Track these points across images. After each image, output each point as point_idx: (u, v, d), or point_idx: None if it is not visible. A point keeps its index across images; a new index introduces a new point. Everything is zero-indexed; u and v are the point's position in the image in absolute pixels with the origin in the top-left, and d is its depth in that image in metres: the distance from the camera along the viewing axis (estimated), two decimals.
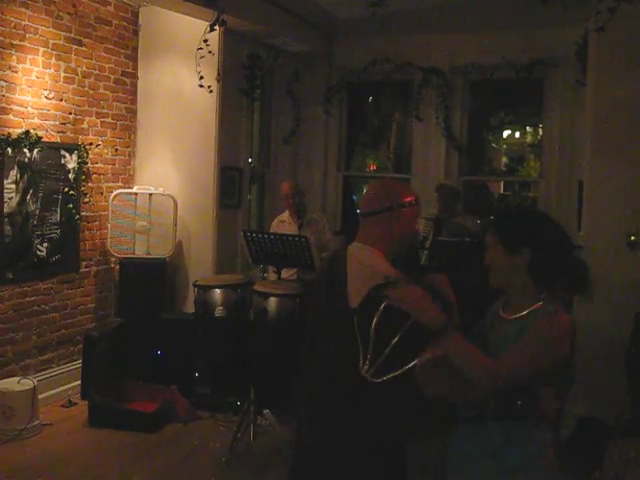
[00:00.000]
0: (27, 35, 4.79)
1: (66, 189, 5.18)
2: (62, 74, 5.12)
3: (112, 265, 5.76)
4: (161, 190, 5.67)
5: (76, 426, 4.76)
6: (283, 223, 5.52)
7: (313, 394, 2.35)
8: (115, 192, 5.60)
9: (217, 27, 5.10)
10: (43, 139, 4.91)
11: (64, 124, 5.17)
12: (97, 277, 5.65)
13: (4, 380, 4.65)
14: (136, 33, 5.87)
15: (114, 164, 5.76)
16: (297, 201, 5.42)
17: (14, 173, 4.73)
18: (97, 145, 5.49)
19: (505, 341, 2.00)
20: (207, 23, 5.06)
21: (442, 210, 5.74)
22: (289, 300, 4.46)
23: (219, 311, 4.59)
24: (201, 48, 5.28)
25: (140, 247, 5.61)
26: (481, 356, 1.92)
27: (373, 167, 8.00)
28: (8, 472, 4.03)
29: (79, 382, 4.99)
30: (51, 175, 5.05)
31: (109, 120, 5.65)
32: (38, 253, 4.99)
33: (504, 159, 9.00)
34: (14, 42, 4.69)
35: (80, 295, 5.48)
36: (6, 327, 4.81)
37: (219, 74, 5.53)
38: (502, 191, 8.89)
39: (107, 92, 5.59)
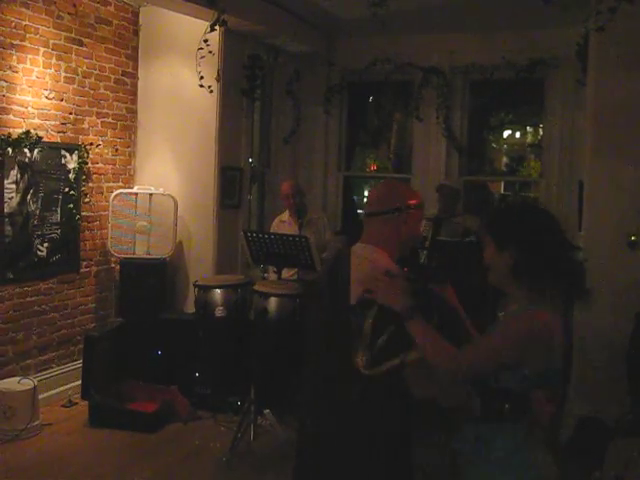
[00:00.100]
0: (27, 35, 4.79)
1: (66, 189, 5.19)
2: (62, 74, 5.13)
3: (112, 265, 5.76)
4: (161, 190, 5.67)
5: (76, 426, 4.76)
6: (283, 223, 5.52)
7: (314, 394, 2.35)
8: (115, 192, 5.60)
9: (217, 27, 5.10)
10: (43, 139, 4.92)
11: (64, 124, 5.17)
12: (97, 277, 5.65)
13: (4, 380, 4.65)
14: (136, 33, 5.87)
15: (114, 164, 5.76)
16: (297, 201, 5.42)
17: (14, 173, 4.74)
18: (97, 145, 5.50)
19: None
20: (207, 23, 5.07)
21: (442, 210, 5.74)
22: (289, 300, 4.46)
23: (219, 311, 4.59)
24: (201, 48, 5.28)
25: (140, 247, 5.60)
26: (446, 345, 1.90)
27: (373, 167, 7.99)
28: (8, 472, 4.03)
29: (79, 382, 5.00)
30: (51, 175, 5.06)
31: (109, 120, 5.65)
32: (38, 253, 4.99)
33: (504, 159, 8.98)
34: (14, 42, 4.69)
35: (80, 295, 5.48)
36: (6, 327, 4.81)
37: (219, 74, 5.53)
38: (502, 191, 8.87)
39: (107, 92, 5.59)
